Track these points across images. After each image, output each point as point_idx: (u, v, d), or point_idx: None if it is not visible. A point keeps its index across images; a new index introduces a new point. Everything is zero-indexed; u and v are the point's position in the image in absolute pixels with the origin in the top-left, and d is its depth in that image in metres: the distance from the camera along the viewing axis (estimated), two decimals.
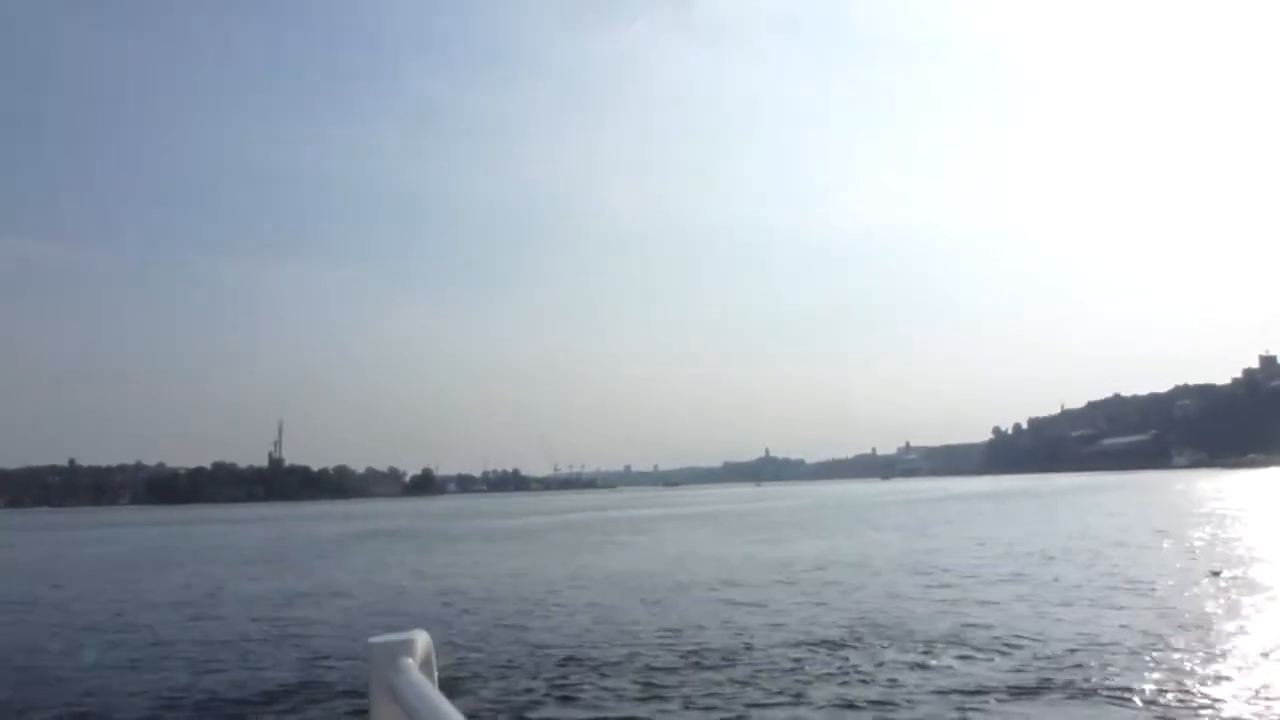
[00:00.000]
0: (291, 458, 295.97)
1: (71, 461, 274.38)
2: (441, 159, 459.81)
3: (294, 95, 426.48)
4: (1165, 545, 28.37)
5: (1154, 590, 18.49)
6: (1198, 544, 28.48)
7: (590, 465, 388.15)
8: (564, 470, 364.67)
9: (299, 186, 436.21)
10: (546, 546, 39.55)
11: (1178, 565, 22.84)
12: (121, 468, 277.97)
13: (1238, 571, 21.20)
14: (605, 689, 11.55)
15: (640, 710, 10.61)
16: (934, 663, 12.30)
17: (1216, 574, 20.74)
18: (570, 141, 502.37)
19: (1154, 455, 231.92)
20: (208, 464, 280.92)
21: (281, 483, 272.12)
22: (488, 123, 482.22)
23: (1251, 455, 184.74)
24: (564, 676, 12.28)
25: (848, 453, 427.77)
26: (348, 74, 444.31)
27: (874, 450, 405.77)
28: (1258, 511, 46.20)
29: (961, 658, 12.56)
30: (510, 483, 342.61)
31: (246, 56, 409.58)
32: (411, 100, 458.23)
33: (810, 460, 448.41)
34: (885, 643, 13.79)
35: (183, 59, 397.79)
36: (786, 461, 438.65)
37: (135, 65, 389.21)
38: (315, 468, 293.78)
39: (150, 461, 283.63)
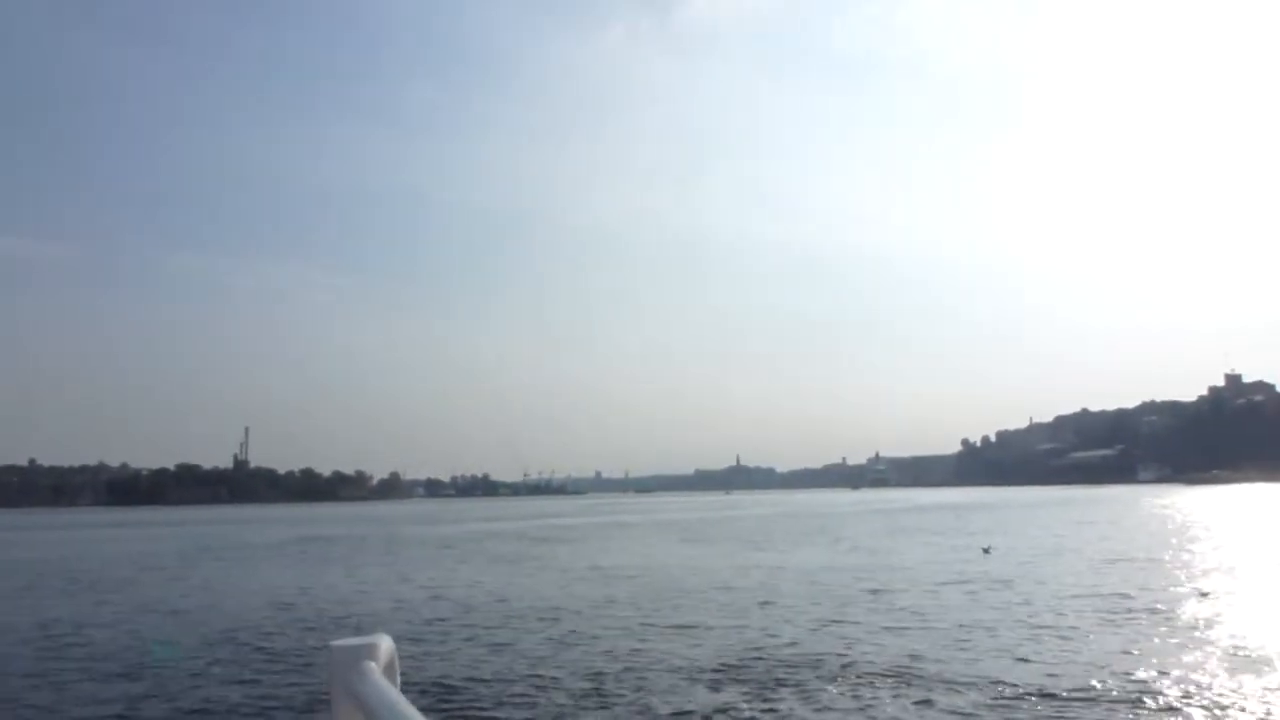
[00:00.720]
0: (261, 461, 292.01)
1: (32, 461, 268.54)
2: (415, 162, 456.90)
3: (270, 94, 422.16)
4: (1145, 565, 26.89)
5: (1142, 615, 16.98)
6: (1177, 563, 27.13)
7: (561, 471, 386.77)
8: (534, 476, 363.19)
9: (273, 188, 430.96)
10: (481, 555, 37.71)
11: (1163, 586, 21.42)
12: (83, 468, 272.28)
13: (1226, 593, 19.92)
14: None
15: None
16: (871, 705, 10.72)
17: (1205, 595, 19.50)
18: (542, 148, 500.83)
19: (1120, 470, 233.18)
20: (172, 465, 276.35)
21: (246, 485, 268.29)
22: (466, 127, 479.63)
23: (1216, 471, 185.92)
24: None
25: (818, 462, 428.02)
26: (333, 76, 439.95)
27: (844, 460, 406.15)
28: (1229, 529, 45.20)
29: (917, 702, 10.93)
30: (479, 487, 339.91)
31: (234, 56, 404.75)
32: (389, 102, 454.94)
33: (781, 469, 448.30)
34: (818, 677, 12.13)
35: (166, 58, 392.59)
36: (758, 470, 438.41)
37: (123, 63, 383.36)
38: (282, 470, 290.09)
39: (114, 462, 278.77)
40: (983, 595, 20.43)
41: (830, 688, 11.61)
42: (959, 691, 11.21)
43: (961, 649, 14.03)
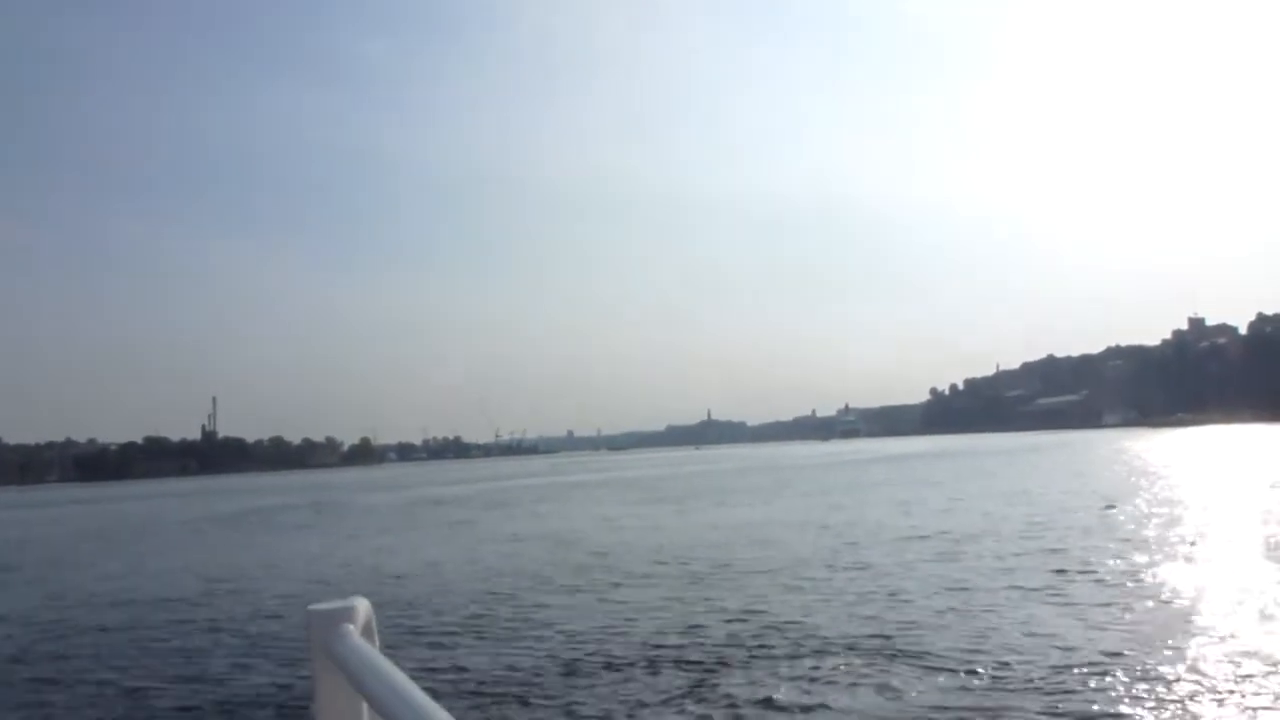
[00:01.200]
0: (231, 430, 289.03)
1: None
2: (375, 122, 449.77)
3: (223, 55, 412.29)
4: (1126, 512, 25.67)
5: (1138, 570, 15.60)
6: (1160, 511, 25.61)
7: (533, 431, 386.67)
8: (505, 437, 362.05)
9: (233, 153, 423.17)
10: (433, 522, 36.20)
11: (1149, 535, 20.20)
12: (50, 445, 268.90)
13: (1216, 542, 18.86)
14: None
15: None
16: (826, 687, 9.33)
17: (1193, 544, 18.48)
18: (510, 104, 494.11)
19: (1087, 415, 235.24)
20: (140, 438, 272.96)
21: (215, 456, 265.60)
22: (423, 85, 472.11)
23: (1180, 415, 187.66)
24: None
25: (789, 415, 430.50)
26: (281, 35, 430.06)
27: (814, 412, 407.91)
28: (1202, 473, 44.22)
29: (877, 684, 9.51)
30: (450, 450, 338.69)
31: (178, 17, 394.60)
32: (346, 62, 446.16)
33: (752, 423, 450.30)
34: (765, 655, 10.73)
35: (113, 24, 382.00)
36: (728, 424, 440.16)
37: (65, 26, 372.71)
38: (251, 439, 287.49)
39: (81, 438, 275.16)
40: (956, 553, 19.10)
41: (782, 668, 10.26)
42: (929, 670, 9.86)
43: (932, 617, 12.66)
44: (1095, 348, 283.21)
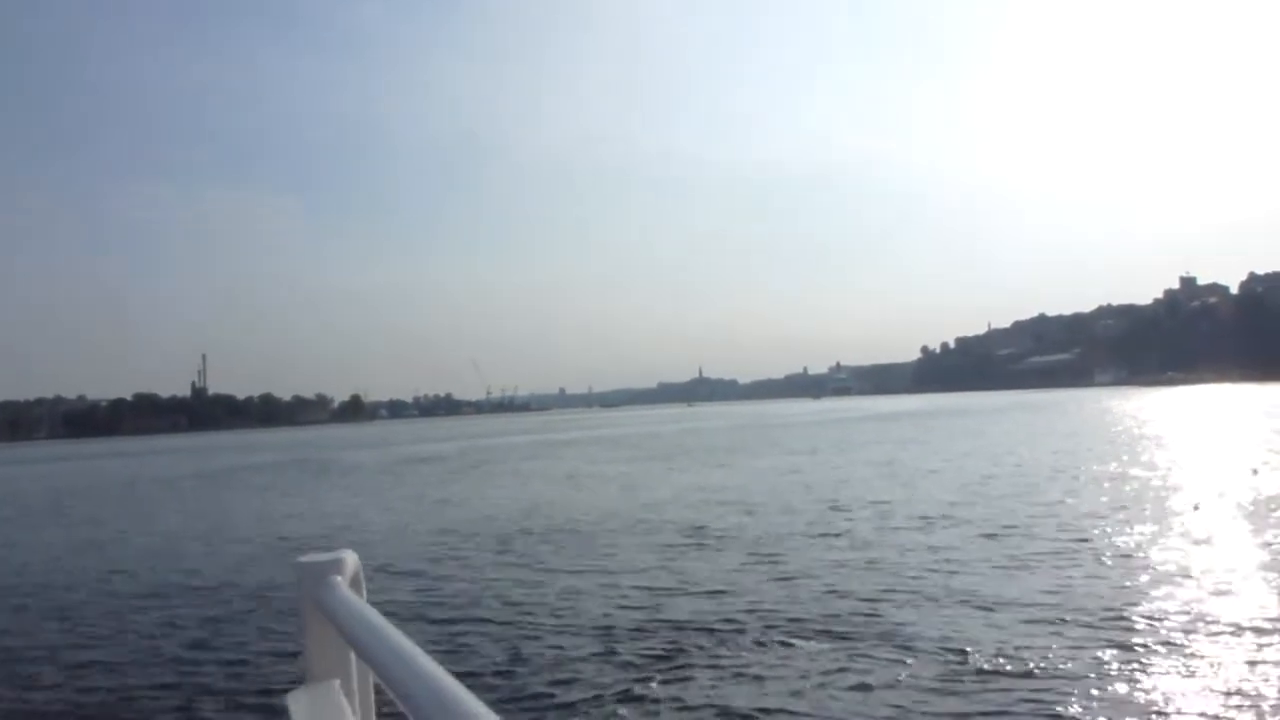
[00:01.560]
0: (221, 387, 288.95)
1: None
2: (374, 86, 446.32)
3: (222, 15, 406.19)
4: (1129, 473, 24.95)
5: (1140, 539, 14.71)
6: (1161, 471, 25.00)
7: (524, 388, 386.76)
8: (497, 394, 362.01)
9: (227, 115, 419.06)
10: (413, 481, 35.35)
11: (1152, 499, 19.47)
12: (40, 401, 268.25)
13: (1221, 504, 18.14)
14: None
15: None
16: (802, 671, 8.49)
17: (1197, 508, 17.78)
18: (505, 71, 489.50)
19: (1078, 373, 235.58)
20: (129, 395, 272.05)
21: (205, 413, 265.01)
22: (421, 50, 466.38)
23: (1170, 374, 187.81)
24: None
25: (780, 372, 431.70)
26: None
27: (805, 370, 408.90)
28: (1197, 433, 43.72)
29: (852, 685, 8.63)
30: (442, 407, 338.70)
31: None
32: (344, 25, 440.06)
33: (743, 380, 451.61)
34: (731, 633, 9.86)
35: None
36: (720, 382, 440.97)
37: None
38: (241, 396, 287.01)
39: (71, 394, 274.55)
40: (947, 521, 18.24)
41: (745, 654, 9.34)
42: (906, 657, 8.97)
43: (919, 595, 11.73)
44: (1087, 306, 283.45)
